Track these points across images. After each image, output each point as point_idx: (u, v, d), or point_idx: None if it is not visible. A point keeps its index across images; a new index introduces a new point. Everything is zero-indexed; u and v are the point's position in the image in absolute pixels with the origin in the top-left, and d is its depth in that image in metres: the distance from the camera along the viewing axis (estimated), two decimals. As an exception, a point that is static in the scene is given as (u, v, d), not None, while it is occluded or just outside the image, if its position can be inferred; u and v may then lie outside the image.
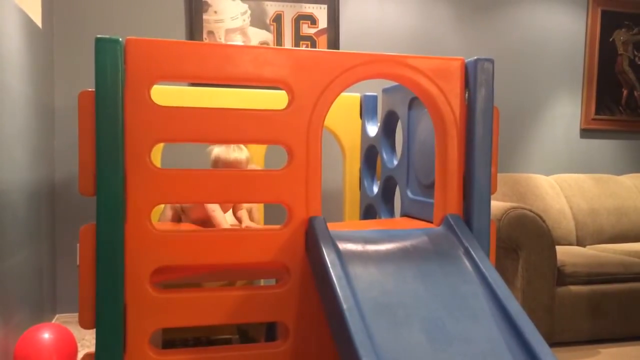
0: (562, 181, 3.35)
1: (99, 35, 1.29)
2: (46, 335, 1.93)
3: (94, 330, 1.31)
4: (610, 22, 3.65)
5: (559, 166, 3.62)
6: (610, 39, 3.67)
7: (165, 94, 2.09)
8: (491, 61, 1.52)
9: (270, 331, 2.04)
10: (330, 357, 1.44)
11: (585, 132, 3.68)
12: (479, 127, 1.51)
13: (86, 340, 2.45)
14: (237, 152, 1.98)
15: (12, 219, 2.00)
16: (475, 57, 1.51)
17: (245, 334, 2.15)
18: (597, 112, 3.66)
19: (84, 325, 1.32)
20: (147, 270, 1.34)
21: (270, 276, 1.88)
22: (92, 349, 1.32)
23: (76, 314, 2.04)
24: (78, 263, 1.34)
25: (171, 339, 1.93)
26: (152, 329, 1.35)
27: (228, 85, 2.25)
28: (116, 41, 1.29)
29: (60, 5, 2.79)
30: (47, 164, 2.65)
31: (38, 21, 2.46)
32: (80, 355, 2.11)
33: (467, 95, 1.54)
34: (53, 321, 2.72)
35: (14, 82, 2.05)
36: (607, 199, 3.32)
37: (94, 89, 1.30)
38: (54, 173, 2.79)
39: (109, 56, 1.28)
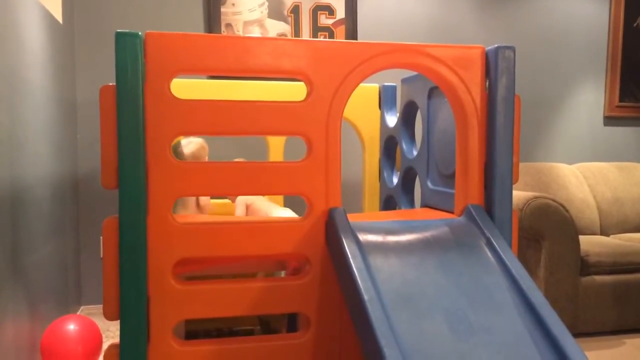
0: (585, 170, 3.30)
1: (119, 30, 1.30)
2: (72, 327, 1.97)
3: (118, 321, 1.33)
4: (634, 7, 3.57)
5: (582, 155, 3.56)
6: (635, 25, 3.59)
7: (184, 87, 2.11)
8: (512, 49, 1.50)
9: (291, 322, 2.05)
10: (351, 348, 1.45)
11: (609, 120, 3.62)
12: (500, 116, 1.49)
13: (110, 332, 2.49)
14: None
15: (37, 213, 2.04)
16: (496, 45, 1.49)
17: (267, 325, 2.16)
18: (621, 99, 3.59)
19: (109, 316, 1.34)
20: (169, 263, 1.35)
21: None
22: (117, 340, 1.34)
23: (100, 306, 2.07)
24: (102, 255, 1.36)
25: (194, 330, 1.95)
26: (176, 320, 1.36)
27: (246, 78, 2.25)
28: (136, 35, 1.30)
29: (79, 0, 2.82)
30: (71, 158, 2.69)
31: (58, 16, 2.49)
32: (105, 346, 2.14)
33: (487, 83, 1.52)
34: (78, 313, 2.77)
35: (36, 77, 2.08)
36: (632, 188, 3.26)
37: (114, 84, 1.31)
38: (77, 167, 2.83)
39: (129, 50, 1.29)
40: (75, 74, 2.83)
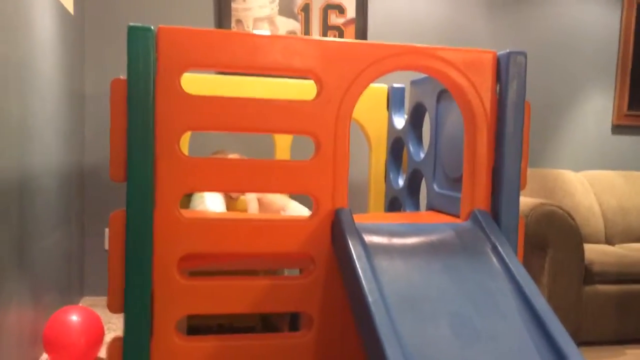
0: (591, 178, 3.29)
1: (131, 24, 1.30)
2: (74, 318, 1.97)
3: (121, 314, 1.33)
4: (646, 15, 3.55)
5: (589, 162, 3.55)
6: (646, 33, 3.57)
7: (193, 82, 2.11)
8: (524, 54, 1.49)
9: (294, 321, 2.05)
10: (354, 349, 1.45)
11: (617, 128, 3.60)
12: (510, 121, 1.49)
13: (112, 324, 2.50)
14: None
15: (44, 203, 2.04)
16: (508, 50, 1.48)
17: (269, 323, 2.16)
18: (629, 108, 3.57)
19: (113, 309, 1.34)
20: (174, 257, 1.35)
21: (294, 266, 1.89)
22: (119, 332, 1.35)
23: (103, 297, 2.05)
24: (106, 247, 1.36)
25: (195, 325, 1.96)
26: (179, 315, 1.36)
27: (256, 75, 2.25)
28: (148, 29, 1.30)
29: (91, -8, 2.82)
30: (77, 149, 2.69)
31: (70, 7, 2.49)
32: (107, 338, 2.15)
33: (498, 88, 1.52)
34: (80, 304, 2.77)
35: (46, 68, 2.08)
36: (638, 197, 3.25)
37: (124, 77, 1.31)
38: (84, 158, 2.83)
39: (141, 44, 1.29)
40: (85, 66, 2.83)
